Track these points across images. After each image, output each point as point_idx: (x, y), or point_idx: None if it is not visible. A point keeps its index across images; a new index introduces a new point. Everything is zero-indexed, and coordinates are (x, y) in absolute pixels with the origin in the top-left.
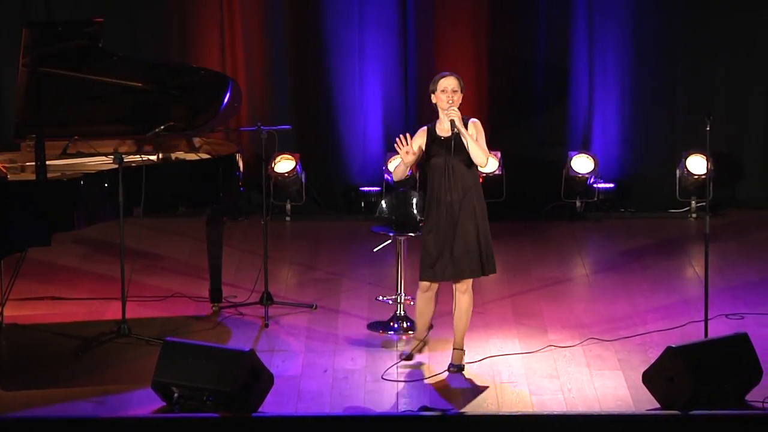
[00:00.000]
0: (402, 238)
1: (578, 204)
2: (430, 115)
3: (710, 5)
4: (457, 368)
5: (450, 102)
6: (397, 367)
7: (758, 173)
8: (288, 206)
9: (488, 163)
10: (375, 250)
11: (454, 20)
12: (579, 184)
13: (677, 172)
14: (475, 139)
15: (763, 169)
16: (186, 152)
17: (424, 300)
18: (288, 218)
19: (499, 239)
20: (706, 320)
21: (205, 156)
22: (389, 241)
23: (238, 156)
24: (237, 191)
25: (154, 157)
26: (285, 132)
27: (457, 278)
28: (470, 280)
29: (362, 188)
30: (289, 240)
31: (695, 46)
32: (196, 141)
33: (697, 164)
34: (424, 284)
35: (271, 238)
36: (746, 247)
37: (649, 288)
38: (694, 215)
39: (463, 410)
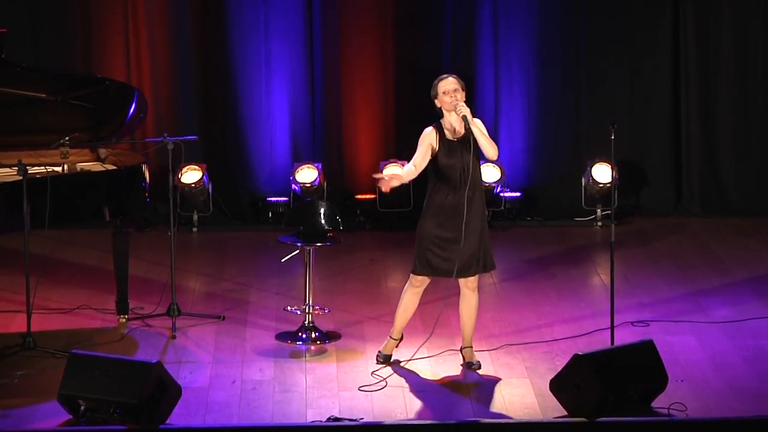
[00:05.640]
0: (310, 248)
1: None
2: (338, 123)
3: (614, 15)
4: (476, 365)
5: (456, 101)
6: (373, 374)
7: (662, 181)
8: (195, 217)
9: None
10: (283, 260)
11: (359, 29)
12: (486, 193)
13: (583, 180)
14: (483, 133)
15: (667, 176)
16: (92, 163)
17: (414, 295)
18: (195, 229)
19: (406, 248)
20: (612, 328)
21: (111, 167)
22: (297, 251)
23: (144, 167)
24: (143, 202)
25: (59, 168)
26: (191, 142)
27: (466, 275)
28: (477, 278)
29: (269, 198)
30: (196, 251)
31: (599, 54)
32: (102, 152)
33: (602, 173)
34: (419, 279)
35: (178, 249)
36: (651, 255)
37: (556, 296)
38: (599, 223)
39: (372, 420)
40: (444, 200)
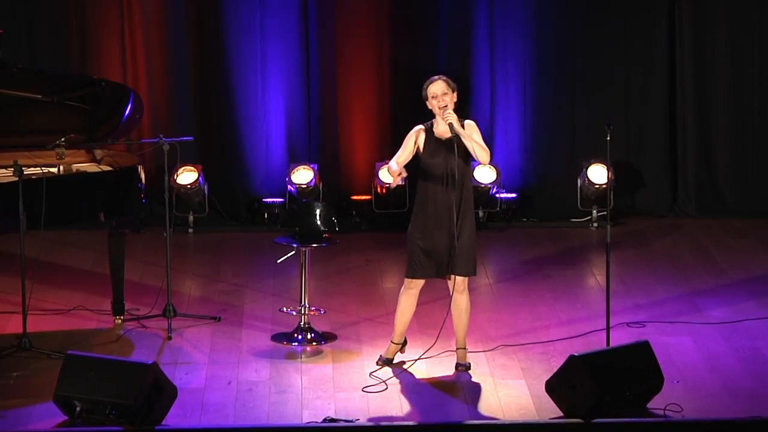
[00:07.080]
0: (306, 249)
1: (481, 214)
2: (334, 125)
3: (610, 17)
4: (464, 367)
5: (443, 106)
6: (372, 375)
7: (657, 182)
8: (191, 218)
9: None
10: (279, 261)
11: (355, 31)
12: (481, 194)
13: (578, 181)
14: (472, 138)
15: (663, 177)
16: (88, 164)
17: (409, 297)
18: (191, 230)
19: (402, 249)
20: (608, 329)
21: (106, 168)
22: (293, 252)
23: (140, 168)
24: (139, 203)
25: (55, 170)
26: (187, 143)
27: (458, 274)
28: (466, 280)
29: (265, 199)
30: (192, 252)
31: (595, 55)
32: (98, 153)
33: (597, 174)
34: (413, 281)
35: (174, 250)
36: (647, 256)
37: (552, 297)
38: (595, 224)
39: (367, 422)
40: (429, 201)
